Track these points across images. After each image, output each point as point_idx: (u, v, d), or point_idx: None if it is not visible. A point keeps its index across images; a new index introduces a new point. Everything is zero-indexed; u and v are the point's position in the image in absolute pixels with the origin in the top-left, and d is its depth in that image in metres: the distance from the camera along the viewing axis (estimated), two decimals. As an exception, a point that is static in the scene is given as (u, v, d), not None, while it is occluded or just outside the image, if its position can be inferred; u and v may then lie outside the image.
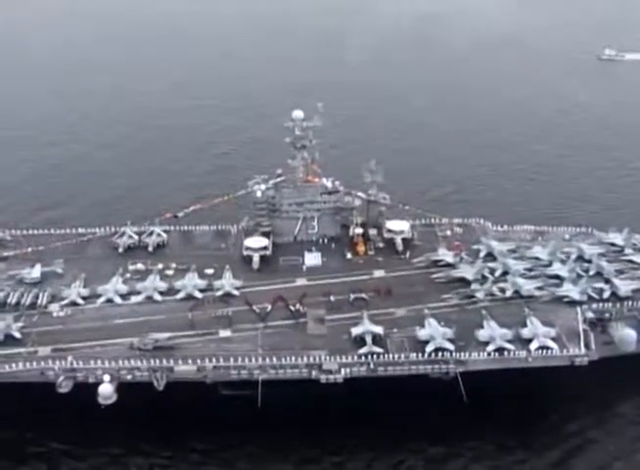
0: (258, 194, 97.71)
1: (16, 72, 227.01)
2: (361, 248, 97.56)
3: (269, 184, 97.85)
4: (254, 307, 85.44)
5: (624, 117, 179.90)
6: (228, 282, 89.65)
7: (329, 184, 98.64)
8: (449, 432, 78.49)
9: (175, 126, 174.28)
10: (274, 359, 76.65)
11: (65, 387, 75.96)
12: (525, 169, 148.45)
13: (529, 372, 78.59)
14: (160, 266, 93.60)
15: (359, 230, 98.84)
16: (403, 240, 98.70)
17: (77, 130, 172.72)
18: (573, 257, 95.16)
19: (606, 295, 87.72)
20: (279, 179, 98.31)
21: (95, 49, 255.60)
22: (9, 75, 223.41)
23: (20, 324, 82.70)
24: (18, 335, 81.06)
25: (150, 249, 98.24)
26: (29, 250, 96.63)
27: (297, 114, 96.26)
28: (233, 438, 77.80)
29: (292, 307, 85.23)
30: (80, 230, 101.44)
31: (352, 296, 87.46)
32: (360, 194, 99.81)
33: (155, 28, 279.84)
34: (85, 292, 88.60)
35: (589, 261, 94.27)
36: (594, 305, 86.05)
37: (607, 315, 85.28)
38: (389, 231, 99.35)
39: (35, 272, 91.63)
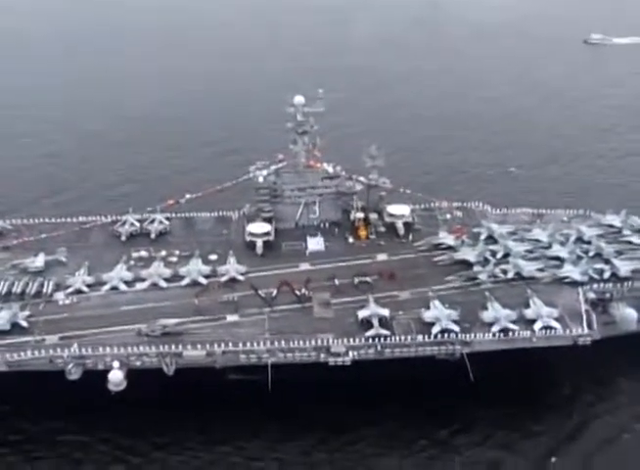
0: (260, 179, 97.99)
1: (18, 58, 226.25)
2: (363, 232, 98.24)
3: (271, 170, 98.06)
4: (260, 292, 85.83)
5: (617, 99, 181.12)
6: (233, 267, 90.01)
7: (330, 169, 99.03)
8: (457, 411, 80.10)
9: (176, 113, 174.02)
10: (282, 343, 77.20)
11: (74, 374, 76.10)
12: (521, 152, 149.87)
13: (533, 352, 79.75)
14: (164, 253, 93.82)
15: (361, 215, 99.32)
16: (404, 224, 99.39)
17: (76, 118, 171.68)
18: (573, 238, 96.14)
19: (606, 275, 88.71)
20: (280, 165, 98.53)
21: (101, 37, 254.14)
22: (12, 60, 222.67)
23: (26, 313, 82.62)
24: (24, 324, 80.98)
25: (152, 236, 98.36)
26: (31, 239, 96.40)
27: (299, 99, 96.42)
28: (244, 422, 78.61)
29: (297, 292, 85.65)
30: (81, 218, 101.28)
31: (357, 279, 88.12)
32: (362, 179, 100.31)
33: (159, 20, 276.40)
34: (90, 280, 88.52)
35: (588, 243, 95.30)
36: (595, 286, 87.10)
37: (607, 295, 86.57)
38: (391, 215, 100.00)
39: (39, 261, 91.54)
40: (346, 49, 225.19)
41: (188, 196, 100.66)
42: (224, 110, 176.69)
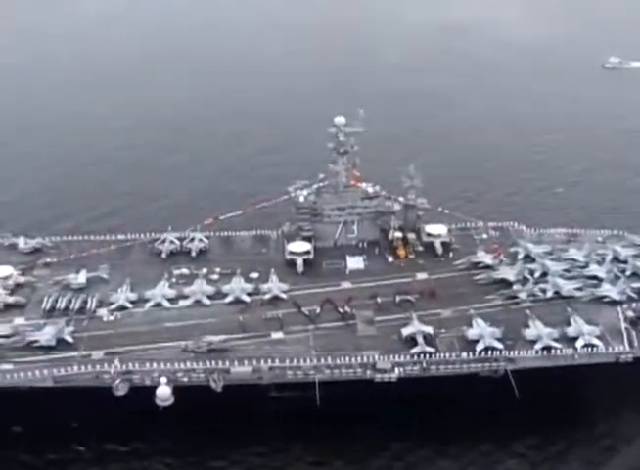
0: (301, 199, 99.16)
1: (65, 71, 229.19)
2: (402, 251, 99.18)
3: (312, 189, 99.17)
4: (304, 310, 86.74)
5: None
6: (275, 285, 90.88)
7: (370, 189, 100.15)
8: (502, 428, 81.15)
9: (213, 131, 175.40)
10: (329, 360, 78.02)
11: (121, 389, 76.81)
12: (550, 175, 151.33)
13: (572, 370, 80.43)
14: (205, 271, 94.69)
15: (399, 234, 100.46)
16: (442, 243, 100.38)
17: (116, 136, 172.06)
18: (609, 258, 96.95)
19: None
20: (322, 184, 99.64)
21: (147, 50, 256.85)
22: (60, 74, 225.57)
23: (71, 328, 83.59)
24: (70, 339, 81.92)
25: (193, 254, 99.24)
26: (72, 256, 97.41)
27: (340, 120, 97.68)
28: (292, 438, 79.75)
29: (340, 310, 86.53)
30: (120, 236, 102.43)
31: (398, 298, 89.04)
32: (401, 198, 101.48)
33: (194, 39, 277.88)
34: (133, 296, 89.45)
35: (625, 262, 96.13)
36: (633, 305, 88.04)
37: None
38: (429, 235, 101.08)
39: (81, 278, 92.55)
40: (382, 70, 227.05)
41: (229, 215, 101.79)
42: (260, 127, 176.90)
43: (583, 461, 77.91)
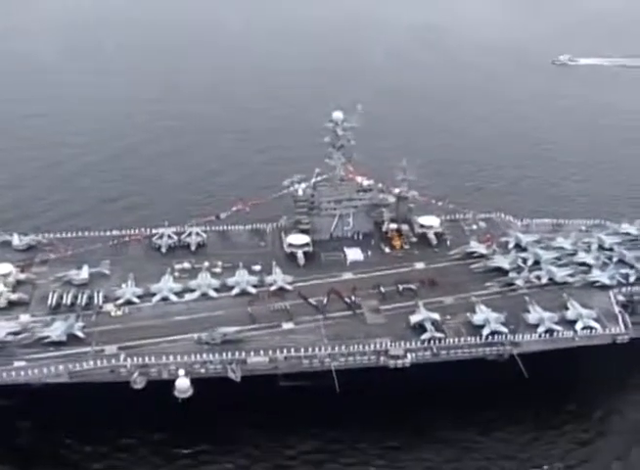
0: (300, 192, 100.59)
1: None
2: (397, 242, 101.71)
3: (310, 183, 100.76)
4: (311, 300, 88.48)
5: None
6: (280, 277, 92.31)
7: (365, 182, 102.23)
8: (513, 409, 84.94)
9: (211, 128, 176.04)
10: (343, 348, 79.99)
11: (139, 383, 77.39)
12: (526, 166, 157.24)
13: (568, 352, 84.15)
14: (207, 264, 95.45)
15: (394, 226, 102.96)
16: (435, 234, 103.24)
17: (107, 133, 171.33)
18: (595, 246, 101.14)
19: (632, 279, 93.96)
20: (319, 178, 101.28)
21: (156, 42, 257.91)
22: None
23: (81, 324, 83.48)
24: (81, 334, 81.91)
25: (192, 248, 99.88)
26: (69, 253, 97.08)
27: (338, 115, 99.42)
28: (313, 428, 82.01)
29: (347, 299, 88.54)
30: (115, 232, 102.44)
31: (401, 287, 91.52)
32: (396, 190, 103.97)
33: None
34: (139, 291, 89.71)
35: (610, 250, 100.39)
36: (623, 289, 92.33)
37: (635, 298, 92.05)
38: (422, 226, 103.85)
39: (83, 273, 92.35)
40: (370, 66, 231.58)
41: (229, 212, 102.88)
42: (258, 124, 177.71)
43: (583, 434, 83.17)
